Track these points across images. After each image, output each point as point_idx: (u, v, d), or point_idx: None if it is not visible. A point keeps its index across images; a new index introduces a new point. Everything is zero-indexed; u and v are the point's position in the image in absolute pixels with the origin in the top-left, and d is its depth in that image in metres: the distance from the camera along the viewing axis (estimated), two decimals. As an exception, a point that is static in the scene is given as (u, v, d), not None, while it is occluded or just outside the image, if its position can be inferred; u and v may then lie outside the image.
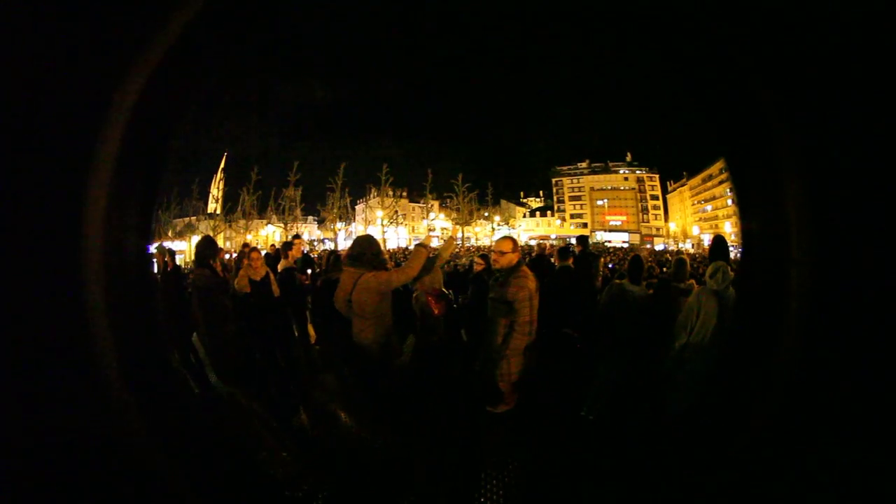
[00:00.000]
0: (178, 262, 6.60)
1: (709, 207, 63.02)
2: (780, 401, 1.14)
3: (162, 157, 1.30)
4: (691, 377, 2.95)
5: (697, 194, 66.62)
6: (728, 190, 56.14)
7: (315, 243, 49.13)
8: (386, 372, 3.55)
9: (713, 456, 1.32)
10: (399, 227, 55.59)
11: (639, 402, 3.67)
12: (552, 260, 5.69)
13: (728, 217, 55.64)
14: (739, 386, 1.33)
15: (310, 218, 57.98)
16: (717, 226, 56.82)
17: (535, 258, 7.16)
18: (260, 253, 6.12)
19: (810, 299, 1.09)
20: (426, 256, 3.67)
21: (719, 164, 58.59)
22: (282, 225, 46.64)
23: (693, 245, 55.88)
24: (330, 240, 49.75)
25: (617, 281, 4.22)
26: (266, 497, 2.10)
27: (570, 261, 4.99)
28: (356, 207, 59.33)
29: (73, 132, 1.00)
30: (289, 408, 3.64)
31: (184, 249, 36.45)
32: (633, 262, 4.17)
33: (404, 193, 60.46)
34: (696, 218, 65.34)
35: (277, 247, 9.18)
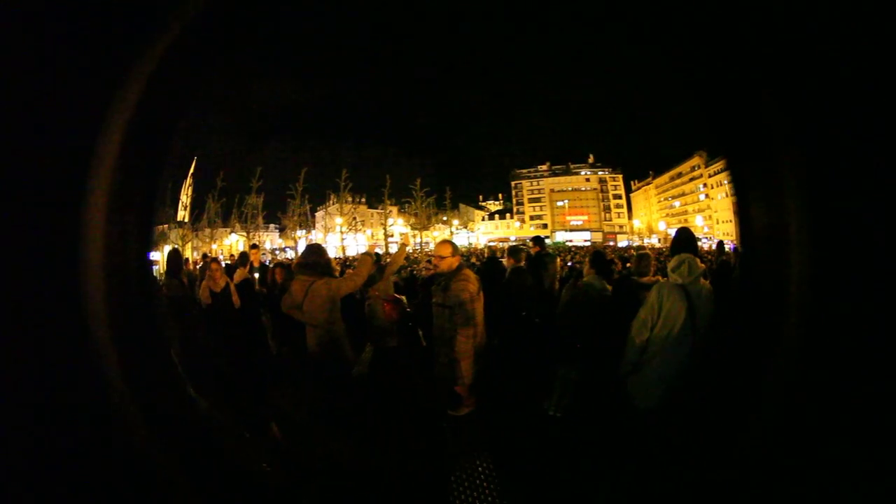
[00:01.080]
0: (153, 274, 6.49)
1: (677, 203, 64.41)
2: (780, 400, 1.13)
3: (164, 157, 1.28)
4: (659, 372, 2.90)
5: (664, 192, 67.87)
6: (701, 186, 58.33)
7: (277, 252, 47.73)
8: (342, 380, 3.57)
9: (713, 455, 1.30)
10: (358, 233, 54.88)
11: (605, 399, 3.65)
12: (503, 262, 5.57)
13: (700, 211, 57.39)
14: (738, 385, 1.32)
15: (271, 226, 56.28)
16: (686, 220, 57.75)
17: (487, 261, 7.18)
18: (220, 264, 6.07)
19: (811, 298, 1.08)
20: (371, 262, 3.75)
21: (691, 162, 60.52)
22: (244, 234, 45.20)
23: (660, 240, 56.78)
24: (291, 248, 48.54)
25: (585, 279, 4.23)
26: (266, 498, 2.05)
27: (524, 260, 4.98)
28: (316, 214, 58.20)
29: (74, 132, 0.99)
30: (259, 418, 3.57)
31: (157, 259, 34.77)
32: (595, 256, 4.24)
33: (363, 199, 59.85)
34: (662, 214, 66.59)
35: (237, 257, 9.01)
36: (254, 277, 6.54)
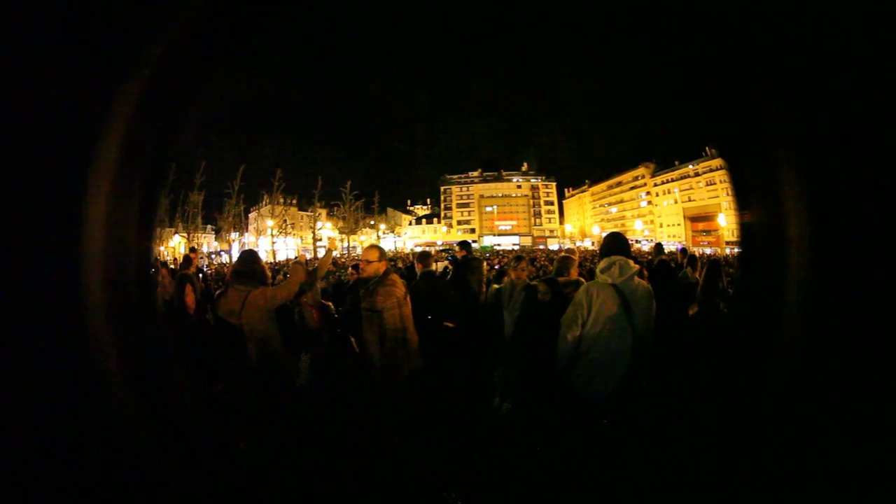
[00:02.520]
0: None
1: (614, 210, 67.09)
2: (778, 400, 1.13)
3: (164, 156, 1.29)
4: (597, 364, 2.94)
5: (600, 199, 70.03)
6: (643, 194, 61.96)
7: (213, 256, 44.26)
8: (286, 391, 3.52)
9: (711, 456, 1.28)
10: (288, 237, 52.44)
11: (545, 394, 3.59)
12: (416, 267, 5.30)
13: (640, 216, 60.75)
14: (737, 385, 1.31)
15: (208, 227, 52.12)
16: (623, 225, 60.92)
17: (410, 266, 7.18)
18: (168, 270, 5.63)
19: (810, 297, 1.08)
20: (303, 271, 3.67)
21: (635, 172, 63.88)
22: (185, 235, 41.77)
23: (593, 243, 58.62)
24: (226, 252, 45.48)
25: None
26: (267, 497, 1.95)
27: (435, 265, 4.95)
28: (249, 216, 54.84)
29: (76, 132, 1.00)
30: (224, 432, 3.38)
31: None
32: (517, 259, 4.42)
33: (294, 201, 57.33)
34: (597, 219, 68.77)
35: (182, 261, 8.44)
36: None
